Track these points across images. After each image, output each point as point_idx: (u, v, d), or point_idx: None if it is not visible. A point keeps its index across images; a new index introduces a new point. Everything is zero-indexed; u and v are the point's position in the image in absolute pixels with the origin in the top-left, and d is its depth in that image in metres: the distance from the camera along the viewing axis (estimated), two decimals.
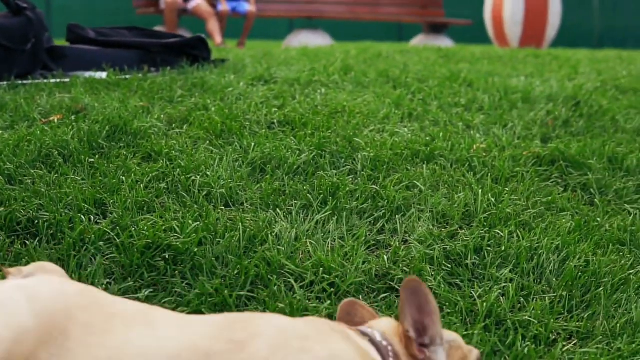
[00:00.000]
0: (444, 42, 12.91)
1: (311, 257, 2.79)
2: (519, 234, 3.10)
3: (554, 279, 2.82)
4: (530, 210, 3.35)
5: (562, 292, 2.73)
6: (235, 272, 2.65)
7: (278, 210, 3.13)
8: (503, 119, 4.66)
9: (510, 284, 2.73)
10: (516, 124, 4.55)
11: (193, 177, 3.29)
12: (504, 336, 2.47)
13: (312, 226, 3.02)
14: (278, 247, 2.82)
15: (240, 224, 2.93)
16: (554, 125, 4.64)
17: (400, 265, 2.81)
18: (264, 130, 3.99)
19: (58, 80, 5.08)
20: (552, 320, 2.55)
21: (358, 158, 3.67)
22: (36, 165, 3.35)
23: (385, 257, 2.84)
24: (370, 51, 8.42)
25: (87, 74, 5.34)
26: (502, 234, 3.07)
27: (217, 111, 4.22)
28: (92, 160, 3.44)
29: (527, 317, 2.56)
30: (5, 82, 4.91)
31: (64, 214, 2.90)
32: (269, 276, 2.65)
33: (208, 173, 3.35)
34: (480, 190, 3.41)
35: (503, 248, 2.96)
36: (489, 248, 2.96)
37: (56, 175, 3.27)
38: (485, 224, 3.17)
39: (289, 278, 2.67)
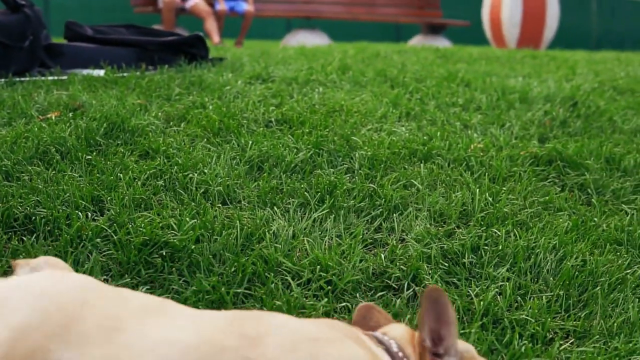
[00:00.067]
0: (442, 43, 12.91)
1: (308, 255, 2.78)
2: (516, 233, 3.10)
3: (551, 278, 2.82)
4: (527, 210, 3.35)
5: (559, 291, 2.73)
6: (233, 269, 2.65)
7: (275, 208, 3.13)
8: (500, 118, 4.66)
9: (507, 283, 2.73)
10: (514, 124, 4.55)
11: (190, 175, 3.29)
12: (501, 335, 2.47)
13: (310, 224, 3.02)
14: (275, 244, 2.82)
15: (238, 221, 2.93)
16: (552, 126, 4.64)
17: (398, 264, 2.81)
18: (261, 129, 3.98)
19: (55, 77, 5.07)
20: (549, 319, 2.55)
21: (355, 157, 3.67)
22: (33, 162, 3.34)
23: (383, 256, 2.84)
24: (368, 51, 8.41)
25: (85, 72, 5.34)
26: (499, 233, 3.07)
27: (215, 109, 4.22)
28: (90, 157, 3.43)
29: (524, 316, 2.56)
30: (2, 79, 4.90)
31: (61, 211, 2.90)
32: (266, 274, 2.65)
33: (205, 171, 3.34)
34: (477, 190, 3.41)
35: (500, 247, 2.96)
36: (486, 247, 2.96)
37: (53, 172, 3.27)
38: (482, 223, 3.17)
39: (286, 276, 2.66)
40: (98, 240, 2.74)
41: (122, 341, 1.63)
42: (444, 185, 3.52)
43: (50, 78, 5.01)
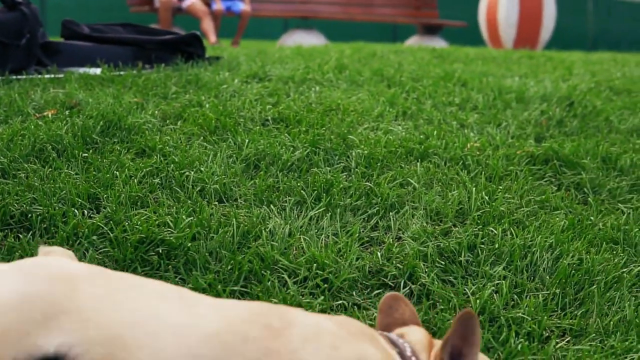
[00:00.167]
0: (438, 44, 12.92)
1: (305, 253, 2.78)
2: (513, 231, 3.10)
3: (548, 277, 2.83)
4: (523, 209, 3.35)
5: (555, 289, 2.73)
6: (229, 267, 2.64)
7: (272, 206, 3.12)
8: (497, 118, 4.67)
9: (503, 281, 2.73)
10: (510, 123, 4.55)
11: (187, 173, 3.29)
12: (497, 333, 2.47)
13: (306, 222, 3.02)
14: (272, 242, 2.82)
15: (234, 219, 2.93)
16: (548, 125, 4.64)
17: (394, 262, 2.81)
18: (258, 127, 3.98)
19: (52, 75, 5.07)
20: (545, 317, 2.55)
21: (352, 155, 3.67)
22: (30, 160, 3.34)
23: (379, 254, 2.84)
24: (364, 51, 8.41)
25: (82, 70, 5.34)
26: (495, 231, 3.07)
27: (211, 108, 4.22)
28: (86, 155, 3.43)
29: (520, 314, 2.56)
30: None
31: (57, 208, 2.89)
32: (262, 271, 2.64)
33: (202, 169, 3.34)
34: (473, 188, 3.42)
35: (496, 245, 2.96)
36: (482, 245, 2.96)
37: (50, 169, 3.27)
38: (478, 221, 3.17)
39: (283, 273, 2.66)
40: (94, 237, 2.74)
41: (132, 322, 1.63)
42: (440, 184, 3.52)
43: (46, 76, 5.01)
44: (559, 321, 2.58)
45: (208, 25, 11.54)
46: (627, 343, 2.47)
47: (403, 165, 3.66)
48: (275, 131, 3.96)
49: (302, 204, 3.18)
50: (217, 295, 2.48)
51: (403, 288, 2.67)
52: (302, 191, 3.24)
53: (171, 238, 2.74)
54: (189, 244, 2.73)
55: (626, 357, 2.42)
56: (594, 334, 2.53)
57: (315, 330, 1.69)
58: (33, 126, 3.66)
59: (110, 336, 1.60)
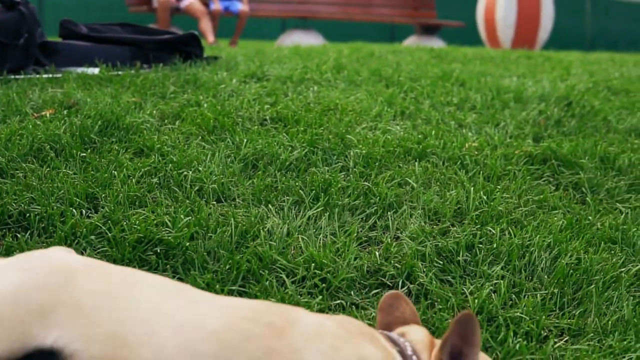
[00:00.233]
0: (436, 44, 12.91)
1: (303, 252, 2.78)
2: (511, 231, 3.10)
3: (546, 276, 2.83)
4: (521, 208, 3.35)
5: (553, 289, 2.74)
6: (227, 266, 2.64)
7: (270, 206, 3.12)
8: (495, 118, 4.67)
9: (501, 281, 2.73)
10: (508, 123, 4.55)
11: (185, 173, 3.29)
12: (496, 332, 2.47)
13: (304, 222, 3.02)
14: (270, 242, 2.82)
15: (232, 219, 2.92)
16: (546, 125, 4.64)
17: (392, 262, 2.81)
18: (256, 127, 3.98)
19: (50, 75, 5.07)
20: (543, 317, 2.55)
21: (350, 155, 3.67)
22: (28, 159, 3.34)
23: (377, 254, 2.84)
24: (362, 51, 8.41)
25: (80, 70, 5.33)
26: (493, 231, 3.07)
27: (210, 107, 4.22)
28: (84, 154, 3.43)
29: (518, 314, 2.56)
30: None
31: (55, 208, 2.89)
32: (260, 271, 2.64)
33: (200, 168, 3.34)
34: (472, 188, 3.42)
35: (494, 245, 2.96)
36: (480, 245, 2.96)
37: (48, 169, 3.26)
38: (476, 221, 3.17)
39: (281, 273, 2.66)
40: (92, 237, 2.74)
41: (132, 318, 1.63)
42: (438, 183, 3.52)
43: (45, 76, 5.00)
44: (557, 321, 2.58)
45: (206, 25, 11.53)
46: (625, 343, 2.47)
47: (401, 165, 3.66)
48: (273, 131, 3.96)
49: (300, 203, 3.18)
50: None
51: (401, 288, 2.67)
52: (300, 191, 3.24)
53: (169, 238, 2.74)
54: (187, 244, 2.73)
55: (624, 357, 2.42)
56: (592, 334, 2.53)
57: (316, 330, 1.68)
58: (31, 126, 3.65)
59: (109, 333, 1.60)
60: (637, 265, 2.98)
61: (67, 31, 6.10)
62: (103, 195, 3.04)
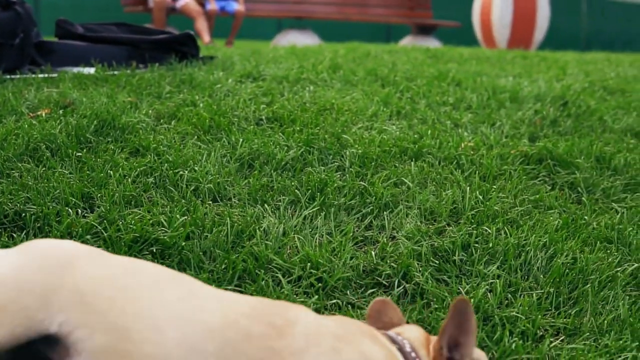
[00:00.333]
0: (432, 44, 12.90)
1: (299, 252, 2.78)
2: (507, 231, 3.11)
3: (542, 276, 2.83)
4: (517, 208, 3.35)
5: (549, 288, 2.74)
6: (223, 266, 2.64)
7: (266, 205, 3.12)
8: (491, 117, 4.67)
9: (497, 281, 2.73)
10: (504, 123, 4.56)
11: (181, 172, 3.29)
12: (492, 332, 2.47)
13: (300, 222, 3.02)
14: (266, 242, 2.82)
15: (228, 218, 2.92)
16: (542, 125, 4.65)
17: (388, 261, 2.81)
18: (252, 126, 3.98)
19: (46, 75, 5.06)
20: (539, 316, 2.55)
21: (346, 155, 3.67)
22: (24, 159, 3.33)
23: (373, 253, 2.84)
24: (358, 51, 8.41)
25: (75, 70, 5.33)
26: (489, 230, 3.07)
27: (206, 107, 4.22)
28: (80, 154, 3.43)
29: (514, 313, 2.56)
30: None
31: (51, 207, 2.89)
32: (256, 271, 2.64)
33: (196, 168, 3.34)
34: (468, 188, 3.42)
35: (490, 245, 2.97)
36: (476, 245, 2.96)
37: (44, 168, 3.26)
38: (472, 220, 3.17)
39: (277, 273, 2.66)
40: (88, 237, 2.73)
41: (135, 311, 1.63)
42: (434, 183, 3.52)
43: (40, 75, 5.00)
44: (553, 320, 2.59)
45: (202, 25, 11.52)
46: (621, 342, 2.47)
47: (397, 165, 3.66)
48: (269, 130, 3.96)
49: (296, 203, 3.18)
50: None
51: (397, 287, 2.67)
52: (296, 190, 3.24)
53: (165, 237, 2.74)
54: (183, 243, 2.73)
55: (620, 356, 2.42)
56: (588, 333, 2.53)
57: (317, 330, 1.68)
58: (27, 125, 3.65)
59: (112, 324, 1.59)
60: (633, 265, 2.99)
61: (63, 31, 6.10)
62: (99, 194, 3.04)
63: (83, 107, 3.99)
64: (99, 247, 2.69)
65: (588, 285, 2.77)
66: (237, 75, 5.32)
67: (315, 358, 1.62)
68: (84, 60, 5.54)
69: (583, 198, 3.60)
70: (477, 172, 3.67)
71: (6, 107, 4.02)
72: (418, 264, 2.80)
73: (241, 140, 3.69)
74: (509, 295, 2.69)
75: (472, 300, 2.58)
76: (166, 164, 3.36)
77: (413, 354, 1.81)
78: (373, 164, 3.60)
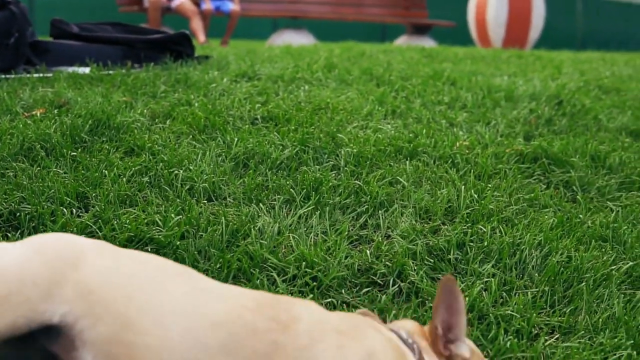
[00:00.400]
0: (427, 43, 12.90)
1: (294, 251, 2.78)
2: (502, 229, 3.11)
3: (536, 274, 2.83)
4: (512, 207, 3.35)
5: (544, 287, 2.74)
6: (218, 265, 2.64)
7: (261, 204, 3.12)
8: (486, 116, 4.67)
9: (492, 279, 2.73)
10: (499, 122, 4.56)
11: (176, 172, 3.28)
12: (487, 330, 2.47)
13: (295, 221, 3.02)
14: (261, 241, 2.82)
15: (223, 218, 2.92)
16: (537, 124, 4.65)
17: (383, 260, 2.81)
18: (247, 126, 3.98)
19: (41, 74, 5.06)
20: (534, 314, 2.56)
21: (341, 154, 3.67)
22: (18, 159, 3.33)
23: (368, 252, 2.84)
24: (353, 50, 8.41)
25: (70, 69, 5.32)
26: (484, 229, 3.07)
27: (201, 106, 4.21)
28: (75, 153, 3.42)
29: (509, 312, 2.56)
30: None
31: (46, 207, 2.89)
32: (251, 270, 2.64)
33: (191, 167, 3.34)
34: (463, 187, 3.42)
35: (485, 243, 2.97)
36: (471, 243, 2.96)
37: (38, 168, 3.26)
38: (467, 219, 3.17)
39: (272, 272, 2.66)
40: (83, 236, 2.72)
41: (140, 303, 1.63)
42: (429, 182, 3.52)
43: (35, 75, 4.99)
44: (547, 318, 2.59)
45: (197, 25, 11.52)
46: (615, 340, 2.47)
47: (392, 164, 3.66)
48: (264, 130, 3.96)
49: (291, 202, 3.17)
50: None
51: (392, 286, 2.67)
52: (291, 190, 3.24)
53: (160, 237, 2.74)
54: (178, 243, 2.73)
55: (615, 354, 2.42)
56: (582, 331, 2.53)
57: (321, 327, 1.69)
58: (22, 125, 3.64)
59: (117, 314, 1.60)
60: (628, 263, 2.99)
61: (58, 30, 6.09)
62: (93, 194, 3.04)
63: (78, 107, 3.99)
64: None
65: (583, 284, 2.77)
66: (232, 75, 5.32)
67: (319, 353, 1.62)
68: (79, 59, 5.53)
69: (578, 197, 3.61)
70: (472, 171, 3.67)
71: (1, 107, 4.02)
72: (413, 262, 2.80)
73: (236, 139, 3.69)
74: (504, 294, 2.69)
75: (467, 299, 2.58)
76: (161, 164, 3.36)
77: (410, 340, 1.83)
78: (368, 163, 3.60)
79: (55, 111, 3.96)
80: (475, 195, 3.37)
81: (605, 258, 3.00)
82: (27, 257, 1.67)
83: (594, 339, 2.50)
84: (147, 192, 3.15)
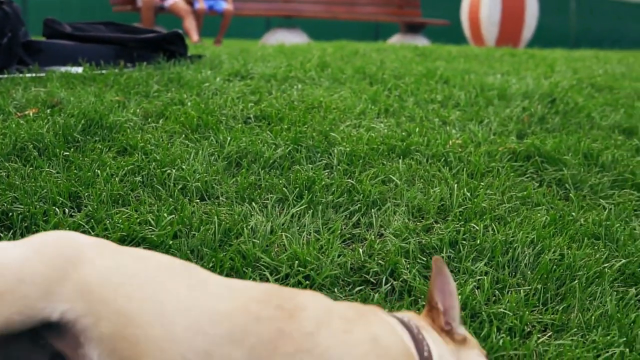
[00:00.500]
0: (421, 42, 12.92)
1: (286, 250, 2.78)
2: (494, 227, 3.11)
3: (529, 272, 2.83)
4: (505, 205, 3.36)
5: (537, 285, 2.74)
6: (211, 264, 2.64)
7: (253, 203, 3.12)
8: (479, 115, 4.67)
9: (485, 277, 2.73)
10: (492, 120, 4.56)
11: (168, 171, 3.28)
12: (479, 328, 2.47)
13: (288, 220, 3.02)
14: (253, 240, 2.82)
15: (216, 217, 2.92)
16: (530, 122, 4.65)
17: (376, 259, 2.81)
18: (240, 125, 3.98)
19: (34, 74, 5.05)
20: (527, 312, 2.56)
21: (334, 152, 3.67)
22: (11, 158, 3.33)
23: (361, 251, 2.84)
24: (347, 49, 8.41)
25: (63, 69, 5.32)
26: (477, 227, 3.07)
27: (193, 106, 4.21)
28: (67, 153, 3.42)
29: (502, 310, 2.56)
30: None
31: (38, 207, 2.88)
32: (244, 269, 2.64)
33: (183, 167, 3.34)
34: (455, 185, 3.42)
35: (478, 241, 2.97)
36: (464, 242, 2.97)
37: (31, 168, 3.25)
38: (460, 217, 3.17)
39: (264, 271, 2.66)
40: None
41: (142, 298, 1.64)
42: (422, 180, 3.52)
43: (28, 75, 4.99)
44: (540, 316, 2.59)
45: (190, 24, 11.51)
46: (608, 337, 2.48)
47: (385, 162, 3.66)
48: (257, 129, 3.95)
49: (283, 201, 3.17)
50: None
51: (385, 284, 2.68)
52: (284, 189, 3.24)
53: (152, 236, 2.74)
54: (171, 242, 2.73)
55: (607, 352, 2.42)
56: (575, 329, 2.53)
57: (327, 314, 1.70)
58: (14, 125, 3.64)
59: (119, 311, 1.61)
60: (620, 261, 2.99)
61: (51, 30, 6.08)
62: (86, 194, 3.03)
63: (71, 107, 3.99)
64: None
65: (575, 282, 2.77)
66: (225, 74, 5.32)
67: (325, 338, 1.63)
68: (72, 59, 5.53)
69: (570, 194, 3.61)
70: (464, 169, 3.67)
71: None
72: (406, 261, 2.80)
73: (229, 138, 3.69)
74: (497, 292, 2.70)
75: (460, 297, 2.58)
76: (154, 163, 3.35)
77: (412, 322, 1.86)
78: (361, 161, 3.60)
79: (48, 111, 3.96)
80: (468, 194, 3.37)
81: (597, 256, 3.00)
82: (26, 255, 1.68)
83: (587, 337, 2.50)
84: (139, 191, 3.14)
